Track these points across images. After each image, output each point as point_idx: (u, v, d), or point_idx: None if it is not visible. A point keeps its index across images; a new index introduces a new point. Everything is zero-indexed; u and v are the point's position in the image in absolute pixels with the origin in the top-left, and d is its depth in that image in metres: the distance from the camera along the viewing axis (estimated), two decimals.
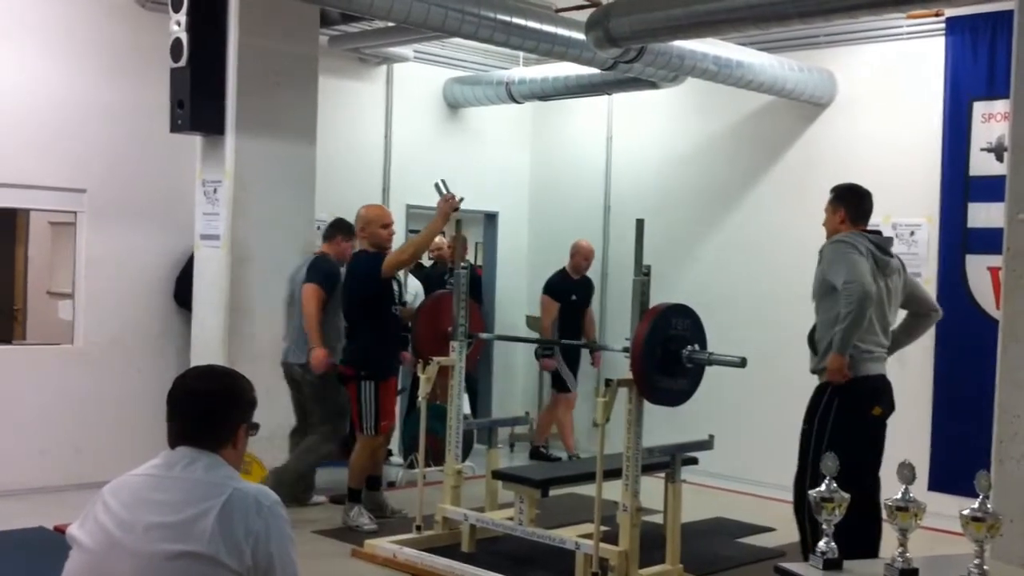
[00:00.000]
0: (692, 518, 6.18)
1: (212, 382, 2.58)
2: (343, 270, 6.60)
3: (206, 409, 2.51)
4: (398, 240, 7.15)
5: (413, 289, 8.61)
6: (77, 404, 7.17)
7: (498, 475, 5.98)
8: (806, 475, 4.67)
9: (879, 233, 5.06)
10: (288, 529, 2.44)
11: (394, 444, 8.43)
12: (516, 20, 6.62)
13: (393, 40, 8.14)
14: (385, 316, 6.30)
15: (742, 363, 5.08)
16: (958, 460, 6.64)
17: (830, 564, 2.98)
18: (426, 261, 9.27)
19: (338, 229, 6.90)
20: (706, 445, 5.71)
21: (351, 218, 6.69)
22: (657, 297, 5.15)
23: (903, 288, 5.04)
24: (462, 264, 6.28)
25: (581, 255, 8.59)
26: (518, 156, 9.82)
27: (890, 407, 4.91)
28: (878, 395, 4.84)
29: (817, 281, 4.94)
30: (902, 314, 5.21)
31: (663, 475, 5.51)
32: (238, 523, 2.34)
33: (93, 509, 2.45)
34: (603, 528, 5.10)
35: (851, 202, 5.01)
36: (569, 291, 8.55)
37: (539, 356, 8.69)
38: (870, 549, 4.65)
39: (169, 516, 2.34)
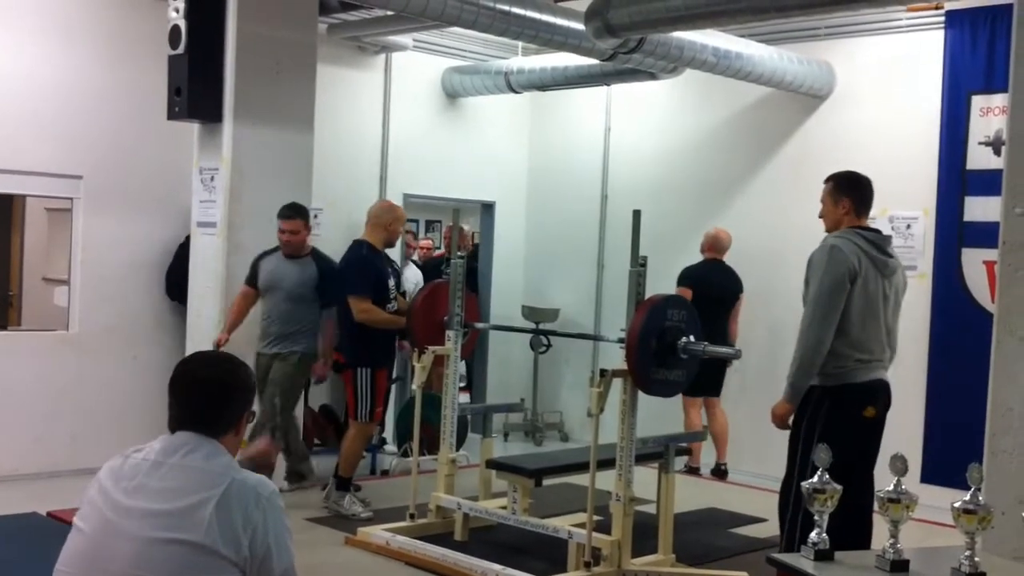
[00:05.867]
0: (685, 508, 6.18)
1: (216, 369, 2.57)
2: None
3: (210, 396, 2.50)
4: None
5: (412, 279, 8.62)
6: (72, 390, 7.17)
7: (492, 464, 5.99)
8: (793, 477, 4.49)
9: (878, 232, 4.70)
10: (285, 520, 2.45)
11: (388, 433, 8.44)
12: (515, 10, 6.61)
13: (392, 29, 8.12)
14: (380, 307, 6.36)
15: (737, 355, 5.10)
16: (951, 452, 6.65)
17: (821, 555, 2.99)
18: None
19: None
20: (699, 436, 5.74)
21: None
22: (653, 288, 5.16)
23: (903, 292, 4.74)
24: (458, 254, 6.28)
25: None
26: (516, 146, 9.80)
27: (885, 407, 4.66)
28: (872, 396, 4.57)
29: (805, 285, 4.66)
30: None
31: (656, 465, 5.53)
32: (237, 514, 2.33)
33: (89, 492, 2.44)
34: (596, 518, 5.10)
35: (856, 192, 4.66)
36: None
37: None
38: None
39: (168, 504, 2.34)
